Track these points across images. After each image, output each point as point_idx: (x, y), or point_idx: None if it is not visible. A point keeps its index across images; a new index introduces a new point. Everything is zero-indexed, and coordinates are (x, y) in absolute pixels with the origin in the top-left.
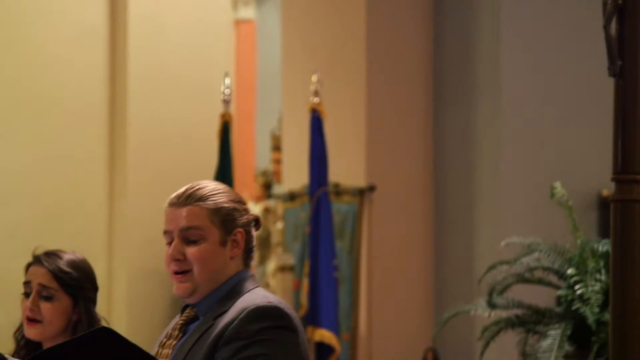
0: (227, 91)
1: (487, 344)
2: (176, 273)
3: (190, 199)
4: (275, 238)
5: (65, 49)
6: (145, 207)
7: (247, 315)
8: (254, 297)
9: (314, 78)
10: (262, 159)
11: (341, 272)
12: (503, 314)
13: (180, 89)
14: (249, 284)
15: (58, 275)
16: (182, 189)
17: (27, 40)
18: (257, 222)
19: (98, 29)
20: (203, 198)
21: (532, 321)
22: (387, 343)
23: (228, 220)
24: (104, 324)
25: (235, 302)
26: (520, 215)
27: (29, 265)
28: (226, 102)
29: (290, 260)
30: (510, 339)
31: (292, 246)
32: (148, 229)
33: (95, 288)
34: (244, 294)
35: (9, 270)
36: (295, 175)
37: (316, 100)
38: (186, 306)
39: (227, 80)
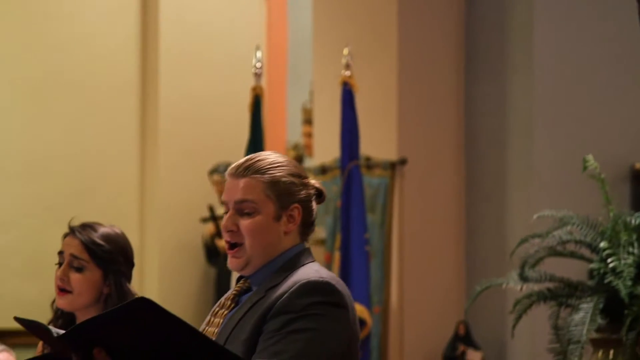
0: (258, 64)
1: (519, 317)
2: (230, 246)
3: (247, 170)
4: None
5: (98, 23)
6: (176, 181)
7: (298, 289)
8: (306, 271)
9: (346, 51)
10: (294, 133)
11: (372, 246)
12: (535, 287)
13: (212, 62)
14: (304, 258)
15: (89, 247)
16: (243, 160)
17: (59, 14)
18: (320, 195)
19: (130, 3)
20: (261, 170)
21: (564, 294)
22: (418, 316)
23: (284, 194)
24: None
25: (288, 275)
26: (552, 189)
27: (65, 236)
28: (257, 76)
29: (321, 233)
30: (542, 313)
31: (323, 220)
32: (179, 202)
33: (129, 263)
34: (297, 268)
35: (44, 241)
36: (327, 148)
37: (347, 73)
38: (240, 277)
39: (259, 54)
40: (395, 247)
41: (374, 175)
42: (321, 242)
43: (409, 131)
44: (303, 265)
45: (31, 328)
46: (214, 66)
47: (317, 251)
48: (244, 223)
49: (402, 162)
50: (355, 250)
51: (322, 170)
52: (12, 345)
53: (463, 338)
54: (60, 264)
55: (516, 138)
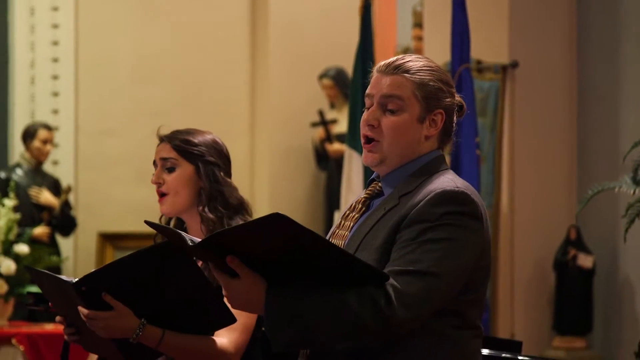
0: None
1: (631, 222)
2: (366, 141)
3: (398, 69)
4: None
5: None
6: (286, 86)
7: (433, 198)
8: (442, 180)
9: None
10: (404, 36)
11: (483, 150)
12: None
13: None
14: (439, 166)
15: (175, 144)
16: (394, 58)
17: None
18: (461, 108)
19: None
20: (411, 71)
21: None
22: (529, 221)
23: (431, 98)
24: (235, 193)
25: (422, 182)
26: None
27: (157, 146)
28: None
29: None
30: None
31: None
32: (289, 107)
33: (221, 156)
34: (432, 175)
35: (153, 148)
36: (437, 52)
37: None
38: (372, 180)
39: None
40: (505, 151)
41: (485, 78)
42: None
43: (520, 33)
44: (438, 172)
45: (164, 232)
46: None
47: None
48: (387, 120)
49: (514, 65)
50: (466, 154)
51: None
52: (124, 249)
53: (574, 242)
54: None
55: (630, 39)
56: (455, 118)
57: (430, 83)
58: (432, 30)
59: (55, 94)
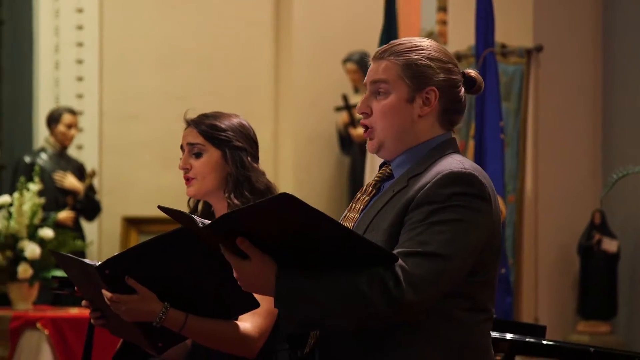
0: None
1: None
2: (365, 128)
3: (385, 53)
4: None
5: None
6: (310, 70)
7: (441, 180)
8: (449, 162)
9: None
10: (428, 20)
11: (507, 134)
12: None
13: None
14: (447, 148)
15: (203, 130)
16: (387, 44)
17: None
18: (471, 83)
19: None
20: (397, 53)
21: None
22: (553, 205)
23: (418, 76)
24: (262, 178)
25: (431, 164)
26: None
27: (184, 131)
28: None
29: None
30: None
31: None
32: (313, 91)
33: (249, 140)
34: (440, 157)
35: (177, 132)
36: (461, 36)
37: None
38: (383, 163)
39: None
40: (530, 135)
41: (509, 62)
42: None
43: (545, 17)
44: (446, 155)
45: (176, 217)
46: None
47: None
48: (376, 104)
49: (538, 49)
50: (490, 138)
51: (457, 58)
52: (148, 233)
53: (599, 227)
54: None
55: None
56: (461, 93)
57: (417, 62)
58: (457, 14)
59: (80, 79)
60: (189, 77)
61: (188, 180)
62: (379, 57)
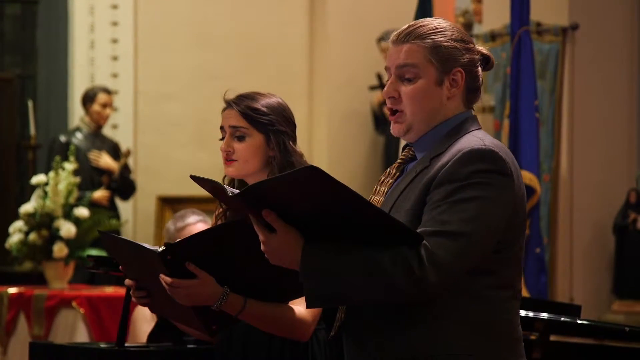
0: None
1: None
2: (391, 112)
3: (409, 36)
4: None
5: None
6: (345, 49)
7: (461, 158)
8: (470, 139)
9: None
10: None
11: (542, 113)
12: None
13: None
14: (469, 125)
15: (246, 114)
16: (405, 27)
17: None
18: (487, 61)
19: None
20: (422, 36)
21: None
22: (588, 184)
23: (446, 59)
24: (302, 160)
25: (453, 142)
26: None
27: (223, 110)
28: None
29: (491, 101)
30: None
31: (492, 87)
32: (348, 70)
33: (290, 123)
34: (462, 135)
35: (213, 111)
36: (496, 14)
37: None
38: (406, 145)
39: None
40: (565, 114)
41: (545, 41)
42: (490, 109)
43: None
44: (467, 132)
45: (207, 186)
46: None
47: (486, 118)
48: (405, 89)
49: (574, 27)
50: (525, 117)
51: (492, 37)
52: None
53: (634, 206)
54: (222, 138)
55: None
56: (480, 72)
57: (444, 44)
58: None
59: (115, 58)
60: (223, 57)
61: (229, 160)
62: (402, 40)
